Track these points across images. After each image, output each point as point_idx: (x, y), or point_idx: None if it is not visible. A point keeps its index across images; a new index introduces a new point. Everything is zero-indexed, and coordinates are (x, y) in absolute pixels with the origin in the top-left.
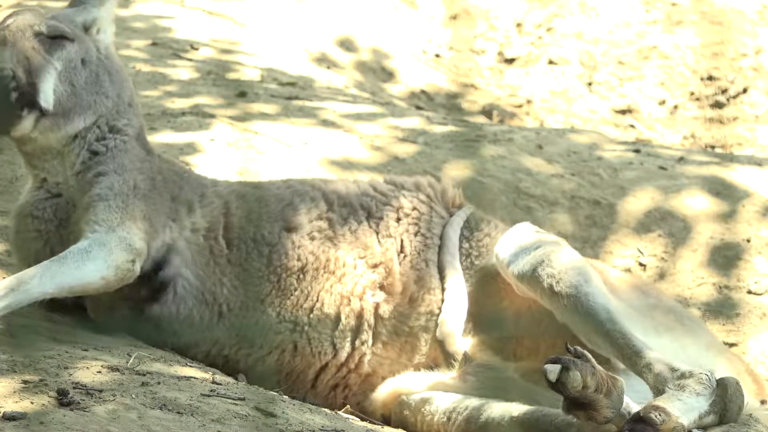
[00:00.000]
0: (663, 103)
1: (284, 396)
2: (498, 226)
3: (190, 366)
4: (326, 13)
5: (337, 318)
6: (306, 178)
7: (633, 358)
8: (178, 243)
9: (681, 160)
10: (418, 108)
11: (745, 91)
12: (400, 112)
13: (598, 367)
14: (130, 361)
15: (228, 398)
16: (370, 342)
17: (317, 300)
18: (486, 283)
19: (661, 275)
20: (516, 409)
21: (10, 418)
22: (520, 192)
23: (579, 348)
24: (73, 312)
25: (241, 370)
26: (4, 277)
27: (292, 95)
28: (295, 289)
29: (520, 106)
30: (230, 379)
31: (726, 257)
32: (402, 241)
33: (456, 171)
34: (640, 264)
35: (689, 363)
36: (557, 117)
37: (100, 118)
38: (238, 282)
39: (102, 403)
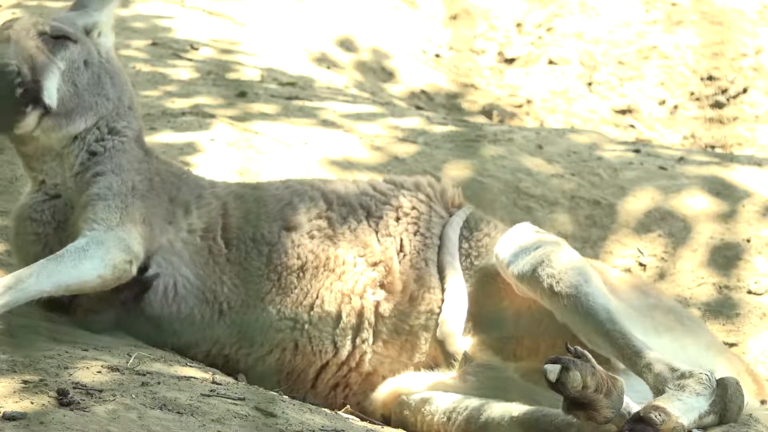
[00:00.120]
0: (663, 103)
1: (284, 396)
2: (498, 226)
3: (190, 366)
4: (326, 13)
5: (338, 316)
6: (305, 178)
7: (633, 358)
8: (175, 244)
9: (681, 160)
10: (418, 108)
11: (745, 91)
12: (400, 112)
13: (598, 367)
14: (130, 361)
15: (228, 398)
16: (371, 340)
17: (317, 297)
18: (486, 283)
19: (661, 275)
20: (516, 409)
21: (10, 418)
22: (520, 192)
23: (579, 348)
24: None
25: (242, 370)
26: None
27: (292, 95)
28: (296, 287)
29: (520, 106)
30: (230, 379)
31: (726, 257)
32: (401, 240)
33: (456, 171)
34: (640, 264)
35: (689, 363)
36: (557, 117)
37: (101, 120)
38: (239, 280)
39: (102, 403)
